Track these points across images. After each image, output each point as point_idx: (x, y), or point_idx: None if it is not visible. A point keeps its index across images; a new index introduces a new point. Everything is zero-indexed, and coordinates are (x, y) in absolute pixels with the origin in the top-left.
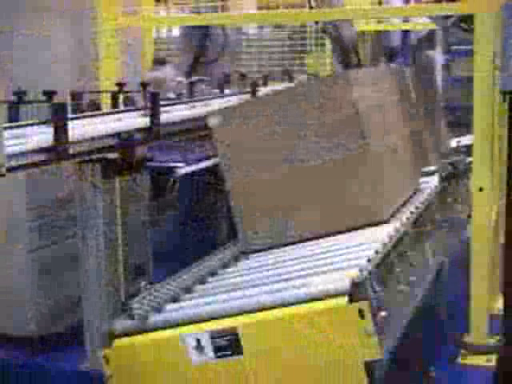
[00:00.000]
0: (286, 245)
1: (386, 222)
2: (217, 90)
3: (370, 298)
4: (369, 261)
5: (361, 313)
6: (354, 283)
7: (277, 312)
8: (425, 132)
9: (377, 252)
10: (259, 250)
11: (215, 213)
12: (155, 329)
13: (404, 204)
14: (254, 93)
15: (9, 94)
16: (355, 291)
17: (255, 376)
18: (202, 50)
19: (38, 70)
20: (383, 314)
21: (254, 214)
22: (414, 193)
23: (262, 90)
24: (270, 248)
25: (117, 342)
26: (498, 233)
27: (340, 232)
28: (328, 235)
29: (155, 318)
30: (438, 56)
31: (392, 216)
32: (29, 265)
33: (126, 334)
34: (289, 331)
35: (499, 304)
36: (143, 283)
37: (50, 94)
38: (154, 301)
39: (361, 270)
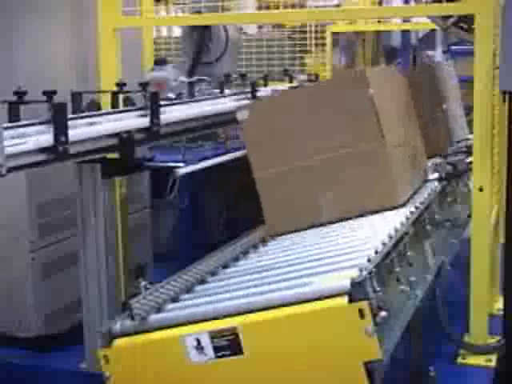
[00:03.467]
0: (306, 228)
1: (400, 207)
2: (217, 90)
3: (370, 298)
4: (369, 261)
5: (361, 313)
6: (354, 283)
7: (277, 312)
8: (436, 129)
9: (377, 252)
10: (282, 234)
11: (215, 213)
12: (155, 329)
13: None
14: (253, 93)
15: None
16: (355, 291)
17: (255, 376)
18: (203, 50)
19: (38, 70)
20: (383, 313)
21: (278, 200)
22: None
23: (262, 90)
24: (293, 231)
25: (116, 342)
26: (498, 233)
27: (357, 216)
28: (346, 219)
29: (155, 318)
30: (438, 56)
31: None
32: (29, 264)
33: (126, 334)
34: (289, 331)
35: (499, 304)
36: (143, 283)
37: (50, 94)
38: (153, 301)
39: (361, 270)
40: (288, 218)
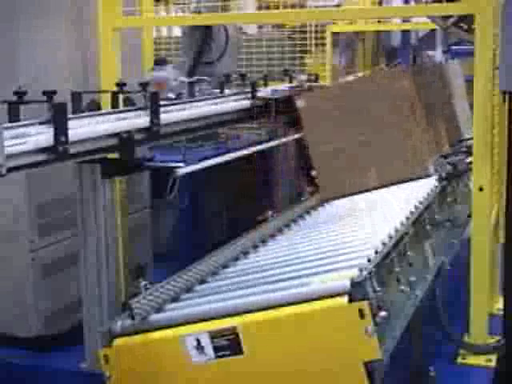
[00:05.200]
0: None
1: (430, 176)
2: (217, 90)
3: (370, 298)
4: (369, 261)
5: (361, 313)
6: (354, 283)
7: (277, 312)
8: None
9: (377, 252)
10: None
11: (215, 213)
12: (155, 329)
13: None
14: (253, 93)
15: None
16: (355, 291)
17: (255, 376)
18: (203, 50)
19: (40, 71)
20: (383, 313)
21: (330, 171)
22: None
23: (262, 91)
24: (342, 197)
25: (117, 342)
26: (498, 233)
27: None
28: (384, 187)
29: (155, 318)
30: (438, 56)
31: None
32: (29, 264)
33: (126, 334)
34: (289, 331)
35: (499, 304)
36: (143, 283)
37: (50, 94)
38: (154, 301)
39: (361, 270)
40: (339, 186)
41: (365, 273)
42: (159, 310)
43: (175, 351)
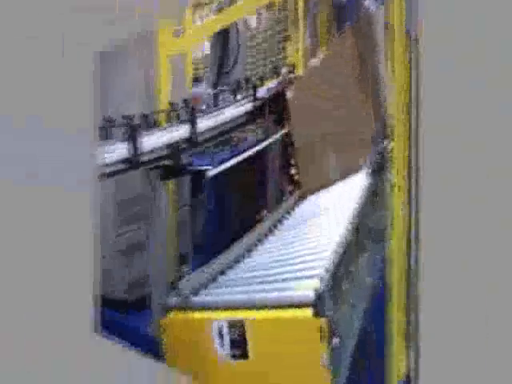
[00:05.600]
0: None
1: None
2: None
3: (329, 317)
4: (327, 271)
5: (321, 333)
6: (317, 295)
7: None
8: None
9: (333, 262)
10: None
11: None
12: (194, 308)
13: None
14: (254, 95)
15: None
16: (317, 306)
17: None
18: (223, 59)
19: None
20: (336, 340)
21: (310, 165)
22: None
23: (260, 91)
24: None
25: (170, 315)
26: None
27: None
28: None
29: (194, 300)
30: (370, 4)
31: None
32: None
33: (178, 309)
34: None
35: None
36: (186, 269)
37: (127, 118)
38: (191, 286)
39: (321, 280)
40: (316, 179)
41: (323, 286)
42: (197, 293)
43: (205, 334)
